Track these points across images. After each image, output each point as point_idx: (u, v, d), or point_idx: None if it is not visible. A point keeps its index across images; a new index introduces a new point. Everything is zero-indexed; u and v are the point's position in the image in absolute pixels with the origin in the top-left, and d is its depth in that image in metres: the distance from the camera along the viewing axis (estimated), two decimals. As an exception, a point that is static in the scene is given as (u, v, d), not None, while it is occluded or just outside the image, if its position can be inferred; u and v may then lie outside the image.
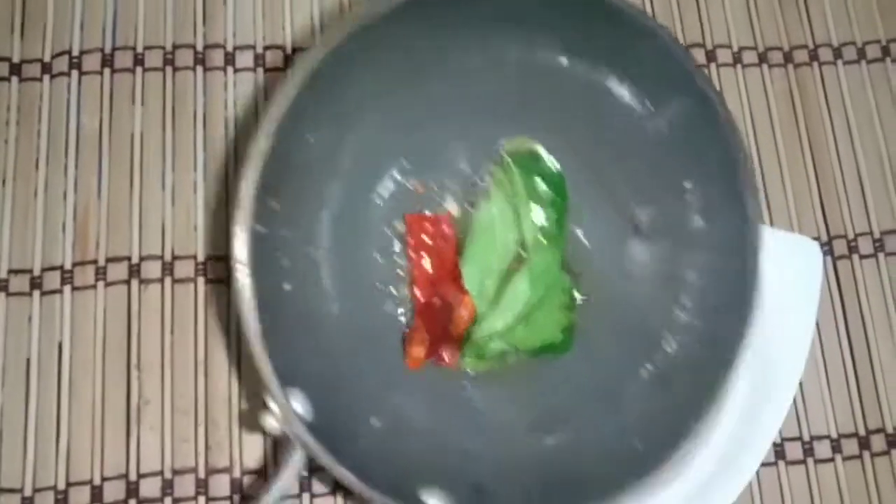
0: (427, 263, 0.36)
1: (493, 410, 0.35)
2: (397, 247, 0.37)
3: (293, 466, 0.32)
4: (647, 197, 0.37)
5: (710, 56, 0.45)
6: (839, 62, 0.47)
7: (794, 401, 0.41)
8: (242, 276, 0.31)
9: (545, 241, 0.36)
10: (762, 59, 0.46)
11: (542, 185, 0.36)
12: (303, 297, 0.34)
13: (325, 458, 0.30)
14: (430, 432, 0.34)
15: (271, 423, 0.30)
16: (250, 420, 0.38)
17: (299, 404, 0.31)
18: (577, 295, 0.37)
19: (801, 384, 0.41)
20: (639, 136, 0.36)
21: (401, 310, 0.37)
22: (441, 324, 0.35)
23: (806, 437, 0.41)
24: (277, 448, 0.38)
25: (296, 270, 0.34)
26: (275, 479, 0.32)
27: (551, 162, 0.36)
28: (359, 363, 0.34)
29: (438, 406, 0.35)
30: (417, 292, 0.36)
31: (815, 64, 0.47)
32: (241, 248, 0.31)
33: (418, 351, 0.35)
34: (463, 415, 0.35)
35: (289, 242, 0.34)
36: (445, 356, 0.35)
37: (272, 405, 0.30)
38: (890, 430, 0.41)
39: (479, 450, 0.34)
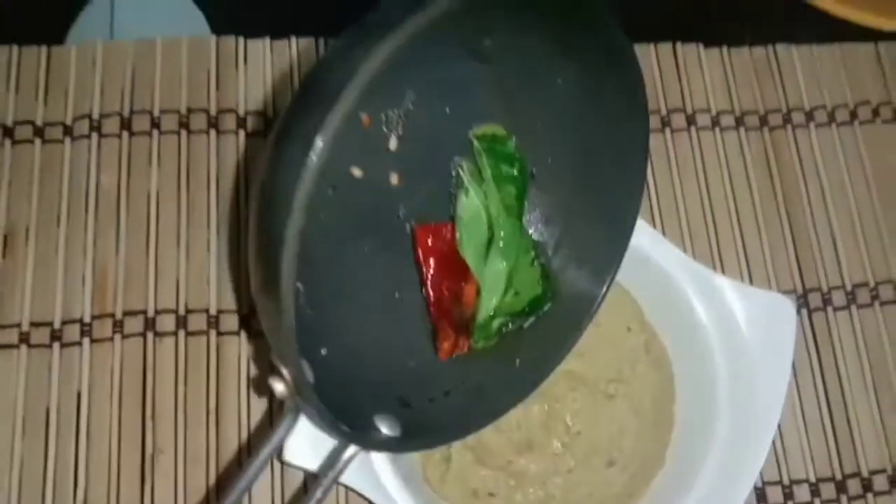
0: (433, 263, 0.38)
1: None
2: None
3: (287, 427, 0.32)
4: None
5: (690, 120, 0.49)
6: (811, 125, 0.50)
7: (774, 446, 0.43)
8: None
9: (507, 215, 0.39)
10: (739, 122, 0.49)
11: (505, 167, 0.38)
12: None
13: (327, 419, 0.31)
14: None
15: (280, 388, 0.31)
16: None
17: (310, 373, 0.31)
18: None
19: (780, 430, 0.43)
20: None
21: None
22: (453, 312, 0.38)
23: (786, 481, 0.43)
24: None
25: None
26: (272, 438, 0.32)
27: (512, 143, 0.39)
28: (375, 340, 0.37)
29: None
30: (430, 293, 0.38)
31: (789, 127, 0.50)
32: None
33: (447, 346, 0.38)
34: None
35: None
36: (464, 345, 0.38)
37: (284, 372, 0.31)
38: (865, 474, 0.44)
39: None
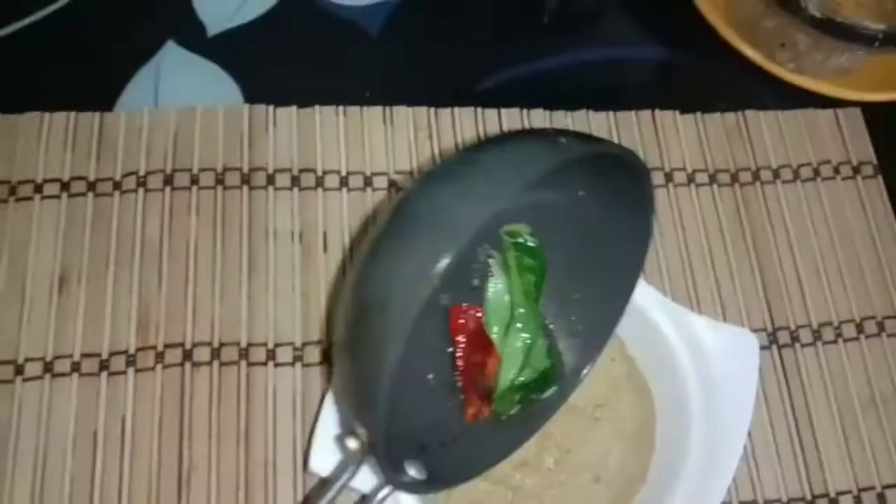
0: (463, 339, 0.43)
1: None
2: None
3: (353, 473, 0.37)
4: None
5: (668, 177, 0.54)
6: (777, 181, 0.56)
7: (749, 468, 0.47)
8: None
9: (526, 298, 0.44)
10: (712, 179, 0.55)
11: (528, 259, 0.44)
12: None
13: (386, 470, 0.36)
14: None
15: (354, 446, 0.36)
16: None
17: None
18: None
19: (754, 455, 0.48)
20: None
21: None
22: (478, 381, 0.43)
23: (760, 501, 0.47)
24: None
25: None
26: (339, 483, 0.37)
27: (533, 239, 0.44)
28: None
29: None
30: (460, 363, 0.43)
31: (758, 183, 0.55)
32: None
33: (472, 411, 0.43)
34: None
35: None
36: (486, 411, 0.43)
37: (361, 434, 0.36)
38: (833, 494, 0.48)
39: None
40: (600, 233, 0.43)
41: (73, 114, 0.52)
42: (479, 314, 0.44)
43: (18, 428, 0.45)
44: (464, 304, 0.44)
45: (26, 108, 0.52)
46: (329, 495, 0.37)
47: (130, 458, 0.44)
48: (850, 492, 0.48)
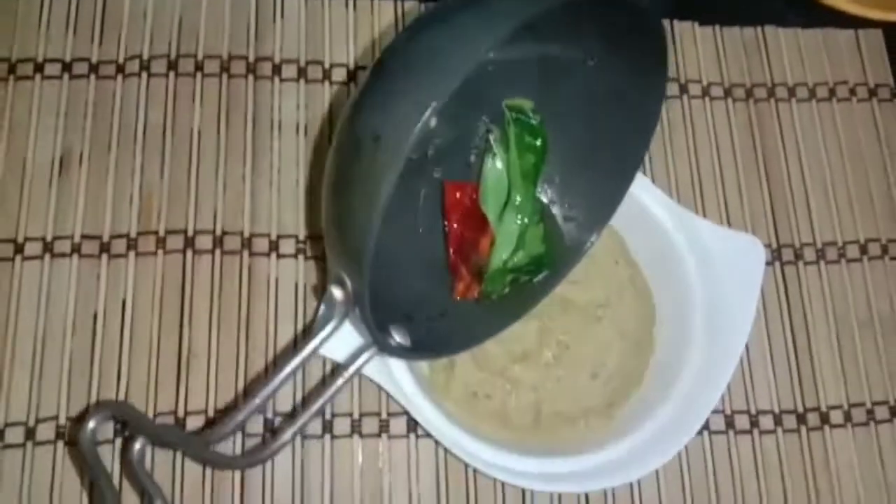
0: (457, 214, 0.43)
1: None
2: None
3: (335, 325, 0.37)
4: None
5: (683, 88, 0.54)
6: (793, 100, 0.55)
7: (744, 379, 0.48)
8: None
9: (524, 180, 0.43)
10: (727, 93, 0.54)
11: (529, 137, 0.43)
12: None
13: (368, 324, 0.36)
14: None
15: (339, 295, 0.36)
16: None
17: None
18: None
19: (750, 366, 0.48)
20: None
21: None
22: (470, 258, 0.43)
23: (753, 411, 0.48)
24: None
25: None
26: (321, 333, 0.37)
27: (535, 116, 0.44)
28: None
29: None
30: (453, 239, 0.43)
31: (773, 100, 0.55)
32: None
33: (461, 287, 0.43)
34: None
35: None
36: (475, 290, 0.43)
37: (347, 283, 0.36)
38: (824, 408, 0.48)
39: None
40: (608, 108, 0.42)
41: (75, -7, 0.50)
42: (475, 193, 0.43)
43: (18, 306, 0.44)
44: (459, 181, 0.43)
45: (27, -15, 0.50)
46: (312, 344, 0.37)
47: (130, 341, 0.45)
48: (840, 406, 0.49)
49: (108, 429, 0.43)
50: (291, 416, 0.44)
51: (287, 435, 0.38)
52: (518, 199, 0.44)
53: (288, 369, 0.37)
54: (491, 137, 0.43)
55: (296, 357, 0.37)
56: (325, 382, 0.44)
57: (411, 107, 0.31)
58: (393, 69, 0.34)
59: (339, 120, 0.37)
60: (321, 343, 0.37)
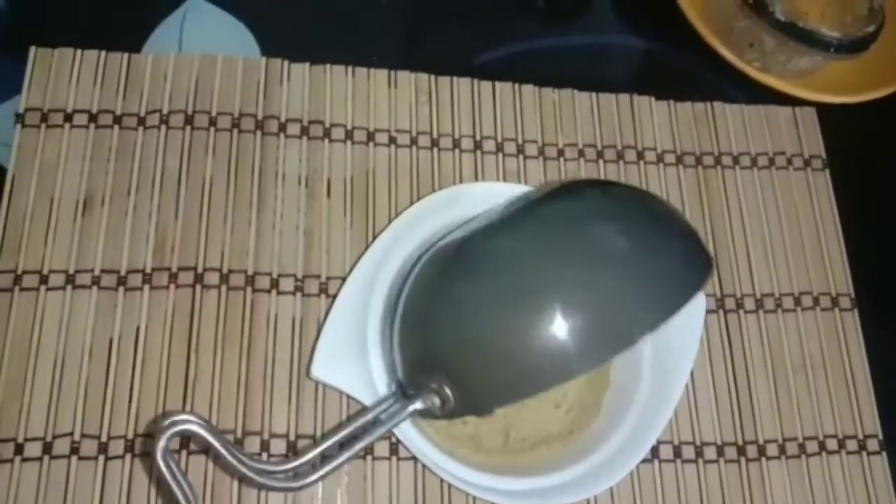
0: None
1: None
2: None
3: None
4: None
5: (640, 155, 0.60)
6: (737, 167, 0.62)
7: (690, 414, 0.53)
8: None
9: None
10: (679, 160, 0.61)
11: None
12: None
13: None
14: None
15: (437, 403, 0.44)
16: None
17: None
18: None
19: (695, 403, 0.54)
20: None
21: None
22: None
23: (698, 442, 0.53)
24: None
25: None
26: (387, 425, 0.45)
27: None
28: None
29: None
30: None
31: (719, 167, 0.61)
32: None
33: None
34: None
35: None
36: None
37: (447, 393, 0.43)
38: (761, 442, 0.54)
39: None
40: None
41: (103, 52, 0.56)
42: None
43: (41, 332, 0.49)
44: None
45: (60, 44, 0.56)
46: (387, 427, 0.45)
47: (142, 365, 0.49)
48: (776, 440, 0.54)
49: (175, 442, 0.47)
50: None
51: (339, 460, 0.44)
52: None
53: (365, 442, 0.45)
54: None
55: (373, 433, 0.45)
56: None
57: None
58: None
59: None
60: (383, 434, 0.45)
